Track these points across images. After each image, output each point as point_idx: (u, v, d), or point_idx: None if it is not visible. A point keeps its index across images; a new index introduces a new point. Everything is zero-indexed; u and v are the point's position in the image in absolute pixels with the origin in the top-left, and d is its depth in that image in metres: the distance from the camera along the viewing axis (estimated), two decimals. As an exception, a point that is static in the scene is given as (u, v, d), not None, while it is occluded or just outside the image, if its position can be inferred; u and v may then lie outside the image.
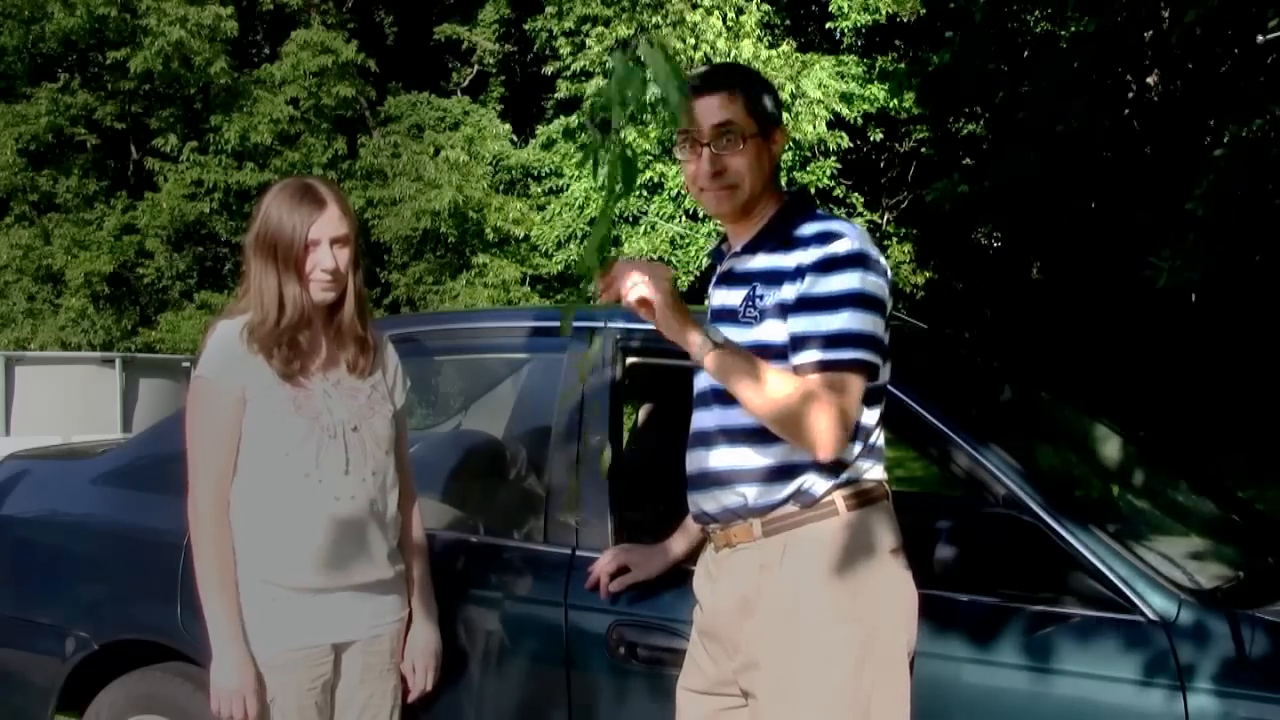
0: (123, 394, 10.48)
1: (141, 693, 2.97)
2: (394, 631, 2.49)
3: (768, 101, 2.16)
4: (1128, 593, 2.12)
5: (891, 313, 2.12)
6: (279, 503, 2.35)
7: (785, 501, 2.07)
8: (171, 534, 2.93)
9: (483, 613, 2.62)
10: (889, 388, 2.15)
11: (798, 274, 2.04)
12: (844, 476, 2.07)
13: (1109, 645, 2.10)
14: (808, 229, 2.08)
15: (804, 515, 2.07)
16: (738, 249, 2.18)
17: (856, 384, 2.00)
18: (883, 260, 2.08)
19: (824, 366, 2.00)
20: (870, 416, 2.10)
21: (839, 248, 2.03)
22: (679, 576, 2.39)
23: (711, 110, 2.11)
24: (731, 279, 2.18)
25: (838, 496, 2.06)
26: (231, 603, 2.34)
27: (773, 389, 1.98)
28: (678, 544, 2.46)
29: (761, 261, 2.12)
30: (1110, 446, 3.24)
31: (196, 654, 2.85)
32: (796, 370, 2.03)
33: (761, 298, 2.09)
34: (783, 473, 2.07)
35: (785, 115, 16.06)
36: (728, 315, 2.14)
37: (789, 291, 2.05)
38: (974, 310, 18.09)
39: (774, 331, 2.06)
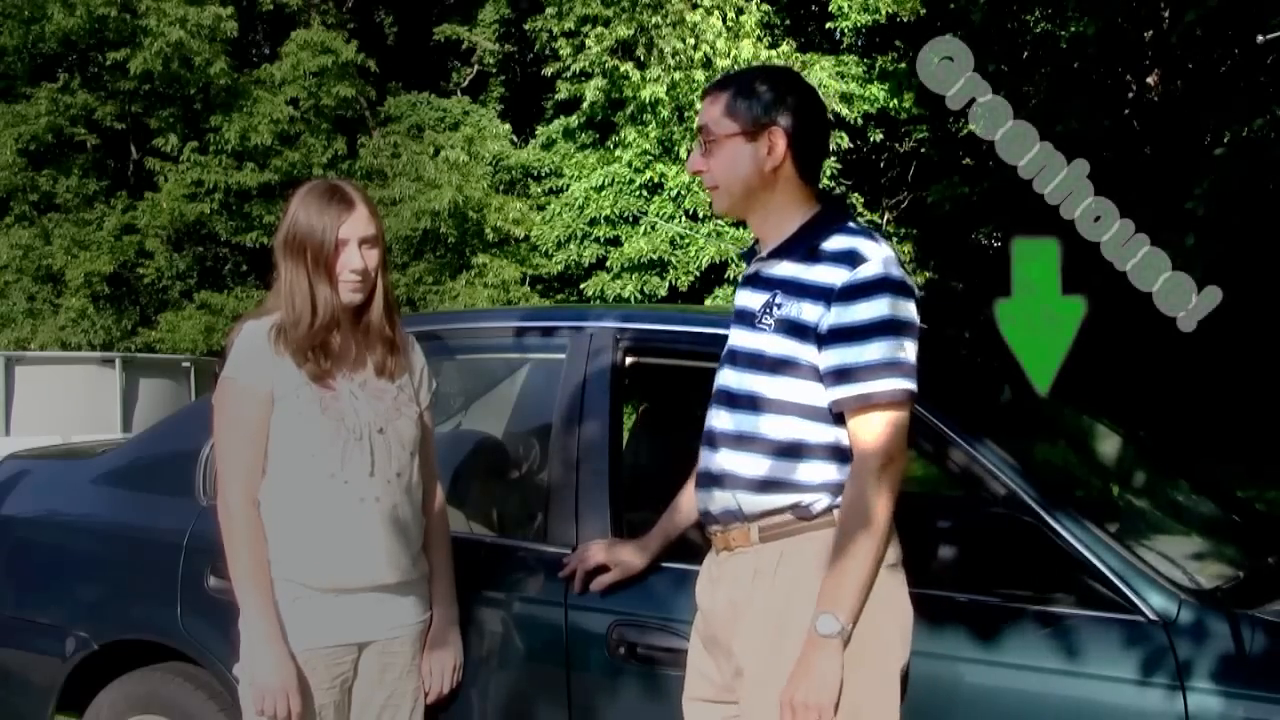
0: (123, 394, 10.47)
1: (141, 693, 2.97)
2: (415, 633, 2.49)
3: (752, 101, 2.11)
4: (1127, 592, 2.12)
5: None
6: (304, 503, 2.36)
7: (780, 511, 2.07)
8: (172, 534, 2.93)
9: (483, 612, 2.61)
10: None
11: (821, 295, 2.04)
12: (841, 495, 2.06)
13: (1109, 645, 2.10)
14: (833, 243, 2.08)
15: (800, 524, 2.06)
16: (764, 254, 2.18)
17: (898, 416, 2.01)
18: (909, 279, 2.08)
19: (864, 401, 2.01)
20: None
21: (864, 272, 2.03)
22: (678, 576, 2.39)
23: (701, 115, 2.18)
24: (756, 282, 2.18)
25: (836, 511, 2.06)
26: (268, 599, 2.33)
27: (866, 533, 1.97)
28: (655, 541, 2.44)
29: (785, 269, 2.12)
30: (1110, 446, 3.24)
31: (197, 654, 2.85)
32: (836, 404, 2.03)
33: (780, 306, 2.09)
34: (778, 486, 2.07)
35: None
36: (748, 317, 2.16)
37: (810, 312, 2.05)
38: (974, 310, 18.07)
39: (778, 345, 2.07)
